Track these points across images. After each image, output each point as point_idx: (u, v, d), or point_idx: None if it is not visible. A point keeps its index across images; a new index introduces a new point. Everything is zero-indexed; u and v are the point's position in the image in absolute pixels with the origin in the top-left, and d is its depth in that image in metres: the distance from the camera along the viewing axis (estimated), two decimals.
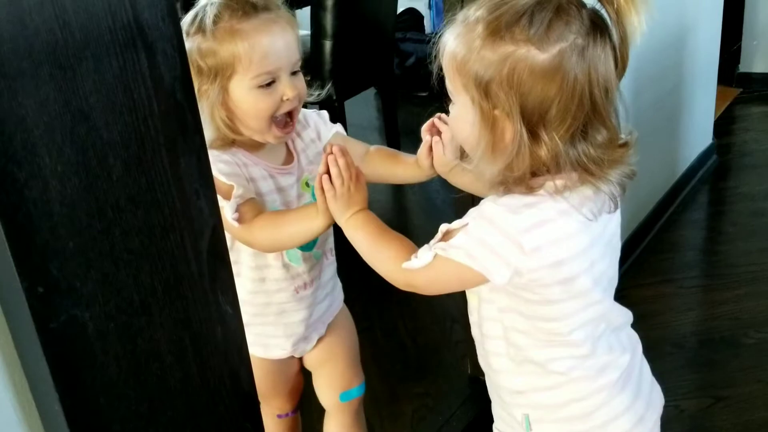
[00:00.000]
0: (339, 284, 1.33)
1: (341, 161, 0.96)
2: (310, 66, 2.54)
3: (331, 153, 0.98)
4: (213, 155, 1.09)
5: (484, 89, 0.79)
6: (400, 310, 2.11)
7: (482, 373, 1.02)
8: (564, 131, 0.78)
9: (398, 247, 0.93)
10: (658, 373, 1.00)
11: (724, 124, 3.34)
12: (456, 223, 0.87)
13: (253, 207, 1.08)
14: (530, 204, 0.82)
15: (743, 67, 3.78)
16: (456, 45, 0.81)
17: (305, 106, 1.19)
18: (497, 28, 0.77)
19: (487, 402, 1.07)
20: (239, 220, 1.05)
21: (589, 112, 0.78)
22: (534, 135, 0.79)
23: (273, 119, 1.09)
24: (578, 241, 0.83)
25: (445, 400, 1.73)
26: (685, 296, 2.17)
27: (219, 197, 1.04)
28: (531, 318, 0.88)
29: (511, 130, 0.79)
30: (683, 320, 2.04)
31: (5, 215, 0.56)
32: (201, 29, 1.06)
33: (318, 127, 1.23)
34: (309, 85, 1.16)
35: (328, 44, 2.54)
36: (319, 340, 1.30)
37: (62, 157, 0.59)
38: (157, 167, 0.67)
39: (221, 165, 1.09)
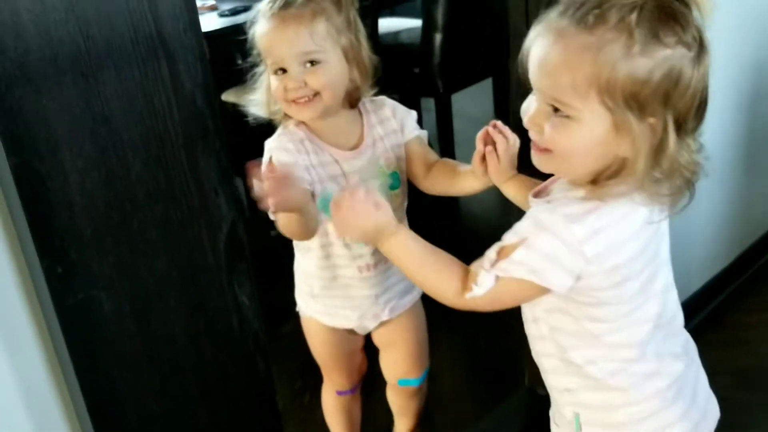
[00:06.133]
0: None
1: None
2: (419, 58, 2.57)
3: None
4: (279, 143, 1.15)
5: (633, 98, 0.77)
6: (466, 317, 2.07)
7: (539, 385, 1.02)
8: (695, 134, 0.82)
9: (450, 271, 0.90)
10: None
11: None
12: (509, 240, 0.86)
13: None
14: (590, 210, 0.82)
15: None
16: (588, 57, 0.77)
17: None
18: (649, 32, 0.76)
19: (542, 413, 1.06)
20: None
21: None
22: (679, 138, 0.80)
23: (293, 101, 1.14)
24: (633, 246, 0.83)
25: (501, 410, 1.72)
26: None
27: None
28: (578, 318, 0.88)
29: (655, 132, 0.79)
30: None
31: (27, 203, 0.64)
32: (260, 13, 1.15)
33: (404, 121, 1.25)
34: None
35: (438, 37, 2.55)
36: (386, 323, 1.34)
37: (82, 155, 0.66)
38: (176, 167, 0.73)
39: (283, 155, 1.14)
